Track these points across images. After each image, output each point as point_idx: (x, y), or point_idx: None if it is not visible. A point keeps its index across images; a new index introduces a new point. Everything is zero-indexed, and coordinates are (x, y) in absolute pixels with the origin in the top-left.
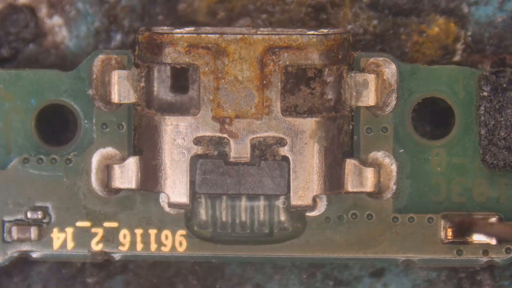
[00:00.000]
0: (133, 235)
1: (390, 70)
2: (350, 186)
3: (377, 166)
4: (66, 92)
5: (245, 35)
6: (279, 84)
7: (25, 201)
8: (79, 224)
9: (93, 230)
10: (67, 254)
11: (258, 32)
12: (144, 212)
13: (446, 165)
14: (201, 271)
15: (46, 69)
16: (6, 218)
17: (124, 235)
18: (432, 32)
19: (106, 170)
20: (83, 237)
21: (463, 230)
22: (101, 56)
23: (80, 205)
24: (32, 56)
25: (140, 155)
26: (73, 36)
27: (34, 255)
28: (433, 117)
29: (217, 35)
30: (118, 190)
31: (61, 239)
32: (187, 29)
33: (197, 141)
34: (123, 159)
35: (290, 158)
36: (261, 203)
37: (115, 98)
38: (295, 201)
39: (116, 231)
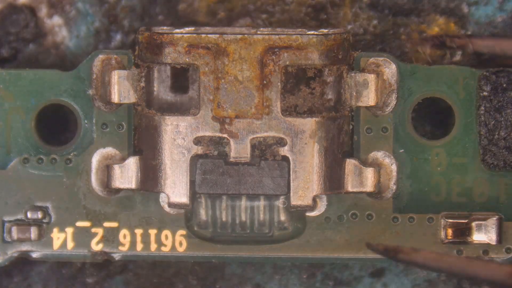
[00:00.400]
0: (133, 235)
1: (390, 70)
2: (350, 186)
3: (377, 166)
4: (66, 92)
5: (245, 35)
6: (279, 84)
7: (25, 201)
8: (79, 224)
9: (93, 230)
10: (67, 254)
11: (258, 32)
12: (144, 212)
13: (446, 165)
14: (201, 271)
15: (46, 69)
16: (6, 218)
17: (124, 235)
18: (432, 32)
19: (106, 170)
20: (83, 237)
21: (390, 256)
22: (101, 56)
23: (80, 205)
24: (32, 56)
25: (140, 155)
26: (73, 36)
27: (34, 255)
28: (433, 117)
29: (217, 35)
30: (118, 190)
31: (61, 239)
32: (187, 29)
33: (197, 141)
34: (123, 159)
35: (290, 158)
36: (261, 203)
37: (115, 98)
38: (295, 201)
39: (116, 231)
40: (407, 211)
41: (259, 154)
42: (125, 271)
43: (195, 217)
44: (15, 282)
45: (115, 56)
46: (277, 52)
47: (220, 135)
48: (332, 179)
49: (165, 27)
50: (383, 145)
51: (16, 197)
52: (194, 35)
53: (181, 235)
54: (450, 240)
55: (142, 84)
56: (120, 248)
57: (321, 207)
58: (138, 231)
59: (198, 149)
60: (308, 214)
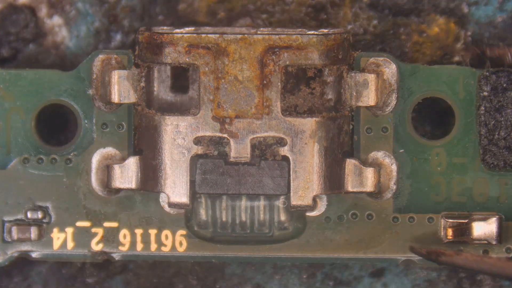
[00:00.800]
0: (133, 235)
1: (390, 70)
2: (350, 186)
3: (377, 166)
4: (66, 92)
5: (245, 35)
6: (279, 84)
7: (25, 201)
8: (79, 224)
9: (93, 230)
10: (67, 254)
11: (258, 32)
12: (144, 212)
13: (446, 165)
14: (201, 271)
15: (46, 69)
16: (6, 218)
17: (124, 235)
18: (432, 32)
19: (106, 170)
20: (83, 237)
21: (432, 258)
22: (101, 56)
23: (80, 205)
24: (32, 56)
25: (140, 155)
26: (73, 36)
27: (34, 255)
28: (433, 117)
29: (217, 35)
30: (118, 190)
31: (61, 239)
32: (187, 29)
33: (197, 141)
34: (123, 159)
35: (290, 158)
36: (261, 203)
37: (115, 98)
38: (295, 201)
39: (116, 231)
40: (407, 211)
41: (259, 154)
42: (125, 271)
43: (195, 217)
44: (15, 282)
45: (115, 56)
46: (277, 52)
47: (220, 135)
48: (332, 179)
49: (165, 27)
50: (383, 145)
51: (16, 197)
52: (194, 35)
53: (181, 235)
54: (450, 240)
55: (142, 84)
56: (120, 248)
57: (321, 207)
58: (138, 231)
59: (198, 149)
60: (308, 214)
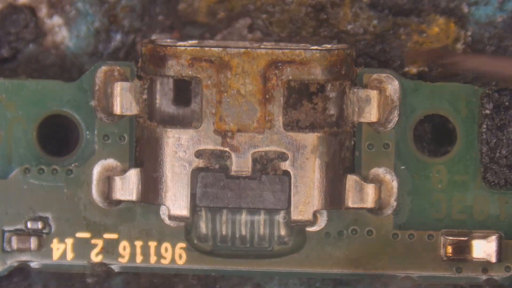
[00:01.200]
0: (133, 247)
1: (392, 86)
2: (351, 202)
3: (378, 183)
4: (69, 103)
5: (249, 49)
6: (281, 98)
7: (25, 211)
8: (79, 235)
9: (93, 241)
10: (67, 265)
11: (262, 46)
12: (144, 224)
13: (447, 182)
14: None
15: (48, 80)
16: (6, 228)
17: (124, 247)
18: (432, 32)
19: (107, 181)
20: (82, 248)
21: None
22: (104, 68)
23: (81, 216)
24: (32, 56)
25: (141, 167)
26: (73, 36)
27: (34, 265)
28: (435, 134)
29: (221, 49)
30: (119, 202)
31: (61, 250)
32: (190, 42)
33: (199, 154)
34: (124, 171)
35: (291, 172)
36: (262, 217)
37: (117, 109)
38: (295, 216)
39: (116, 242)
40: (407, 228)
41: (260, 168)
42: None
43: (195, 230)
44: (15, 282)
45: (118, 67)
46: (280, 67)
47: (222, 148)
48: (333, 194)
49: (168, 40)
50: (385, 162)
51: (16, 207)
52: (197, 48)
53: (181, 248)
54: (450, 258)
55: (145, 96)
56: (120, 260)
57: (322, 222)
58: (138, 243)
59: (200, 162)
60: (308, 229)
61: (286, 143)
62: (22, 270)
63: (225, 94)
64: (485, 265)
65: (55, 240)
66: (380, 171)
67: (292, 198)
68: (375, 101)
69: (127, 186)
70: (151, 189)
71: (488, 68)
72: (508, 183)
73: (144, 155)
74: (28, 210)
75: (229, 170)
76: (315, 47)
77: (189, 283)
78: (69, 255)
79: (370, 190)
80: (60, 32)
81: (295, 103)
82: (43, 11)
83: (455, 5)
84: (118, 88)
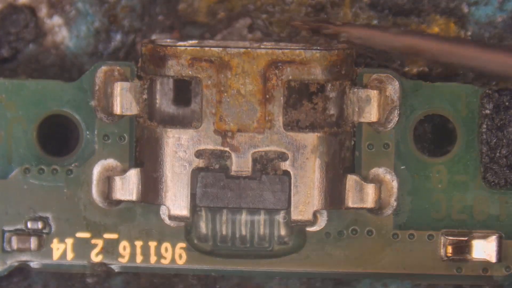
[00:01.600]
0: (133, 247)
1: (393, 86)
2: (351, 202)
3: (378, 182)
4: (69, 103)
5: (249, 49)
6: (281, 98)
7: (25, 211)
8: (79, 235)
9: (93, 241)
10: (67, 265)
11: (262, 46)
12: (144, 224)
13: (447, 182)
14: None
15: (48, 80)
16: (6, 228)
17: (124, 247)
18: (432, 32)
19: (107, 181)
20: (82, 248)
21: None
22: (104, 68)
23: (81, 216)
24: (32, 56)
25: (141, 167)
26: (73, 36)
27: (34, 265)
28: (435, 134)
29: (221, 49)
30: (119, 202)
31: (61, 250)
32: (190, 42)
33: (199, 154)
34: (124, 171)
35: (291, 172)
36: (262, 217)
37: (117, 109)
38: (295, 215)
39: (116, 242)
40: (407, 228)
41: (261, 168)
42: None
43: (195, 230)
44: (15, 282)
45: (118, 67)
46: (280, 67)
47: (222, 148)
48: (333, 194)
49: (168, 40)
50: (385, 162)
51: (16, 207)
52: (198, 48)
53: (181, 247)
54: (450, 258)
55: (145, 96)
56: (120, 259)
57: (322, 222)
58: (138, 243)
59: (200, 162)
60: (308, 229)
61: (286, 143)
62: (22, 270)
63: (225, 94)
64: (485, 265)
65: (55, 240)
66: (380, 171)
67: (292, 198)
68: (375, 101)
69: (127, 186)
70: (151, 189)
71: (367, 39)
72: (508, 183)
73: (144, 155)
74: (28, 210)
75: (229, 170)
76: (315, 47)
77: (189, 283)
78: (69, 255)
79: (370, 190)
80: (60, 32)
81: (295, 103)
82: (43, 11)
83: (455, 5)
84: (118, 88)
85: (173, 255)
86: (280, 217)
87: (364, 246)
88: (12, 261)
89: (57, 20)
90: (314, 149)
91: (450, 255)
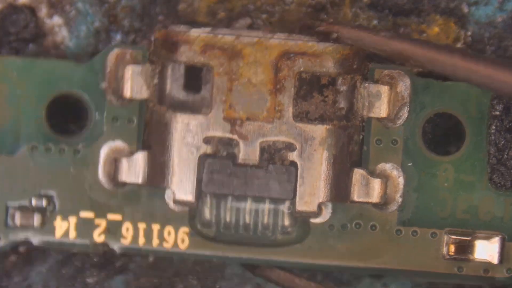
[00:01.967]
0: (136, 229)
1: (404, 83)
2: (356, 195)
3: (385, 178)
4: (79, 83)
5: (261, 39)
6: (292, 89)
7: (30, 188)
8: (83, 214)
9: (96, 221)
10: (69, 243)
11: (275, 37)
12: (149, 207)
13: (453, 181)
14: (201, 271)
15: (60, 59)
16: (11, 204)
17: (127, 228)
18: (432, 32)
19: (114, 163)
20: (85, 227)
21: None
22: (116, 50)
23: (85, 196)
24: (32, 56)
25: (149, 150)
26: (73, 36)
27: (35, 242)
28: (444, 133)
29: (233, 37)
30: (124, 184)
31: (64, 228)
32: (204, 29)
33: (207, 140)
34: (131, 153)
35: (298, 163)
36: (266, 206)
37: (127, 92)
38: (300, 206)
39: (119, 224)
40: (411, 224)
41: (268, 158)
42: (125, 271)
43: (199, 215)
44: (15, 282)
45: (130, 51)
46: (292, 58)
47: (230, 136)
48: (339, 187)
49: (182, 26)
50: (392, 157)
51: (22, 184)
52: (211, 35)
53: (184, 232)
54: (452, 257)
55: (156, 81)
56: (122, 241)
57: (326, 214)
58: (141, 226)
59: (207, 149)
60: (312, 220)
61: (294, 134)
62: (23, 269)
63: (236, 83)
64: (486, 266)
65: (58, 218)
66: (387, 167)
67: (298, 189)
68: (386, 97)
69: (134, 169)
70: (158, 172)
71: (357, 40)
72: None
73: (152, 139)
74: (33, 187)
75: (236, 158)
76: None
77: (189, 283)
78: (72, 234)
79: (376, 185)
80: (60, 32)
81: (306, 95)
82: (43, 11)
83: (455, 5)
84: (130, 71)
85: (176, 239)
86: (284, 207)
87: (367, 240)
88: (14, 237)
89: (57, 20)
90: (322, 141)
91: (452, 254)
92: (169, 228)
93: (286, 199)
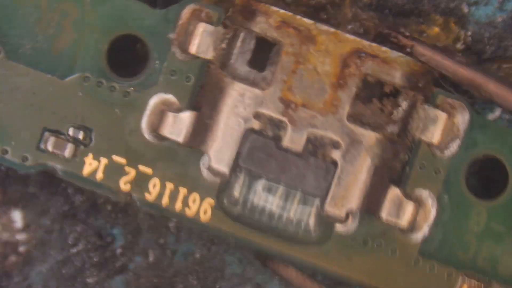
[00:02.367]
0: (163, 187)
1: (462, 116)
2: (386, 213)
3: (418, 204)
4: (149, 28)
5: (338, 31)
6: (354, 88)
7: (71, 117)
8: (115, 158)
9: (126, 169)
10: (93, 183)
11: (351, 32)
12: (182, 169)
13: (483, 227)
14: (201, 271)
15: (137, 0)
16: (48, 127)
17: (154, 184)
18: (432, 32)
19: (160, 115)
20: (114, 172)
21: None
22: (193, 5)
23: (123, 141)
24: None
25: (197, 112)
26: None
27: (60, 172)
28: (489, 175)
29: (311, 21)
30: (164, 138)
31: (93, 167)
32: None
33: (257, 115)
34: (179, 110)
35: (339, 163)
36: (296, 199)
37: (193, 48)
38: (329, 207)
39: (148, 177)
40: (431, 258)
41: (311, 149)
42: (125, 271)
43: (228, 191)
44: (15, 282)
45: (207, 9)
46: (363, 57)
47: (281, 117)
48: (372, 199)
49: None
50: (431, 186)
51: (64, 111)
52: (290, 13)
53: (209, 204)
54: None
55: (224, 45)
56: (147, 196)
57: (352, 224)
58: (169, 185)
59: (255, 124)
60: (336, 226)
61: (343, 133)
62: (23, 269)
63: (302, 66)
64: None
65: (90, 155)
66: (423, 193)
67: (331, 188)
68: (442, 124)
69: (178, 126)
70: (200, 134)
71: (431, 59)
72: None
73: (204, 101)
74: (74, 117)
75: (280, 141)
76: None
77: (189, 283)
78: (99, 175)
79: (408, 208)
80: None
81: (365, 98)
82: None
83: (455, 5)
84: (201, 28)
85: (199, 208)
86: (314, 205)
87: (383, 261)
88: (42, 161)
89: None
90: (369, 148)
91: None
92: (195, 196)
93: (317, 195)
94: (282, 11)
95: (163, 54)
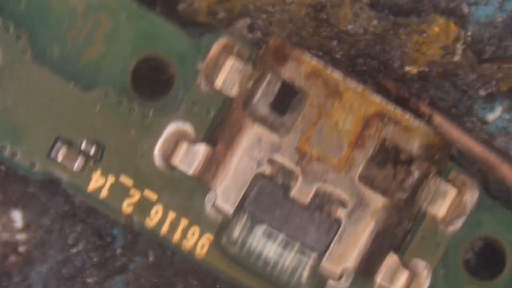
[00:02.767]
0: (165, 215)
1: (472, 195)
2: (381, 278)
3: (413, 274)
4: (179, 54)
5: (365, 91)
6: (371, 150)
7: (86, 131)
8: (123, 179)
9: (132, 191)
10: (96, 200)
11: (376, 94)
12: (187, 200)
13: None
14: (201, 271)
15: (172, 24)
16: (61, 136)
17: (156, 211)
18: (432, 32)
19: (174, 144)
20: (119, 192)
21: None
22: (226, 39)
23: (133, 162)
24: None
25: (212, 146)
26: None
27: (65, 184)
28: (488, 255)
29: (341, 77)
30: (174, 168)
31: (99, 184)
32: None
33: (271, 161)
34: (194, 142)
35: (343, 222)
36: (294, 250)
37: (218, 83)
38: (326, 263)
39: (151, 203)
40: None
41: (318, 203)
42: (125, 271)
43: (229, 230)
44: (15, 282)
45: (239, 44)
46: (385, 121)
47: (294, 168)
48: (369, 262)
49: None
50: (429, 258)
51: (80, 123)
52: (321, 65)
53: (208, 239)
54: None
55: (249, 85)
56: (147, 221)
57: (344, 283)
58: (171, 214)
59: (267, 169)
60: (329, 282)
61: (353, 193)
62: (23, 269)
63: (323, 120)
64: None
65: (98, 171)
66: (420, 264)
67: (331, 245)
68: (450, 199)
69: (190, 157)
70: (211, 169)
71: (447, 131)
72: None
73: (220, 137)
74: (89, 131)
75: (289, 191)
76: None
77: (189, 283)
78: (104, 193)
79: (403, 276)
80: None
81: (380, 162)
82: None
83: (455, 5)
84: (230, 64)
85: (197, 242)
86: (311, 258)
87: None
88: (50, 170)
89: None
90: (375, 212)
91: None
92: (195, 229)
93: (316, 249)
94: (314, 61)
95: (188, 83)
